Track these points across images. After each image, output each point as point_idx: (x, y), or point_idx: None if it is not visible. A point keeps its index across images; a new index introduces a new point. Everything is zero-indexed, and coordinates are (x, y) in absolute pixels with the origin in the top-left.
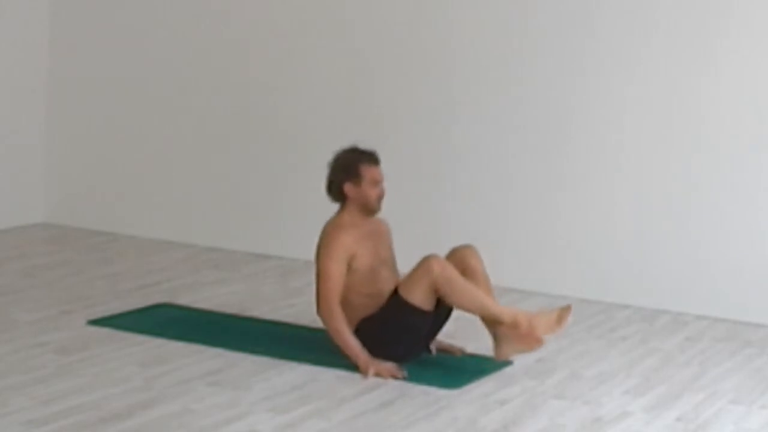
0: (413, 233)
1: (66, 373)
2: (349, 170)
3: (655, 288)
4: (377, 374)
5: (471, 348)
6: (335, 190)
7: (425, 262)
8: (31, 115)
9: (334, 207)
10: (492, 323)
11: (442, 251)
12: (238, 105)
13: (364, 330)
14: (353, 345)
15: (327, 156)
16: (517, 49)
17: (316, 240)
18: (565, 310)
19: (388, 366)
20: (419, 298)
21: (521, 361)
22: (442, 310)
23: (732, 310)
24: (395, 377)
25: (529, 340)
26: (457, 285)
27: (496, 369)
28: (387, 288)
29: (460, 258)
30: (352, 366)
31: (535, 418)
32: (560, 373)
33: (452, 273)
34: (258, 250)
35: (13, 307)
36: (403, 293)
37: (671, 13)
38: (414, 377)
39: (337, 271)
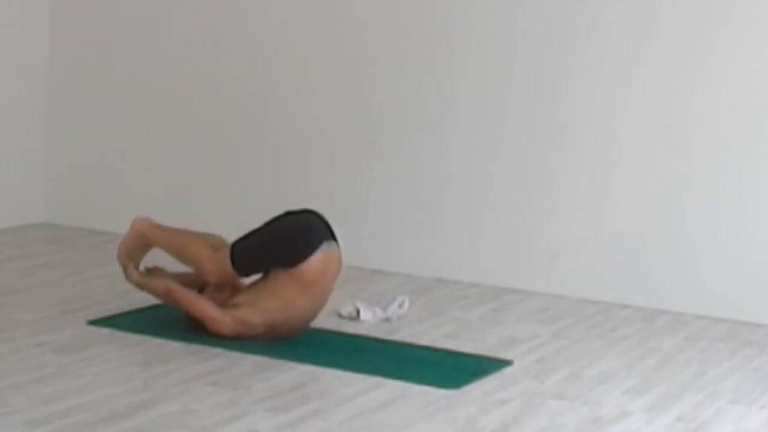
0: (409, 232)
1: (66, 373)
2: None
3: (655, 288)
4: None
5: (471, 348)
6: None
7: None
8: (31, 115)
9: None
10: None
11: (438, 250)
12: (238, 105)
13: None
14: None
15: (327, 156)
16: (511, 48)
17: None
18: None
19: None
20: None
21: (521, 361)
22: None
23: (731, 309)
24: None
25: None
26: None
27: (496, 369)
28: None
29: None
30: (351, 366)
31: (535, 418)
32: (560, 373)
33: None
34: None
35: (13, 307)
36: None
37: (669, 12)
38: (414, 377)
39: None
